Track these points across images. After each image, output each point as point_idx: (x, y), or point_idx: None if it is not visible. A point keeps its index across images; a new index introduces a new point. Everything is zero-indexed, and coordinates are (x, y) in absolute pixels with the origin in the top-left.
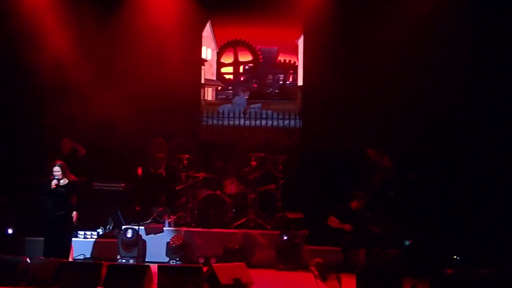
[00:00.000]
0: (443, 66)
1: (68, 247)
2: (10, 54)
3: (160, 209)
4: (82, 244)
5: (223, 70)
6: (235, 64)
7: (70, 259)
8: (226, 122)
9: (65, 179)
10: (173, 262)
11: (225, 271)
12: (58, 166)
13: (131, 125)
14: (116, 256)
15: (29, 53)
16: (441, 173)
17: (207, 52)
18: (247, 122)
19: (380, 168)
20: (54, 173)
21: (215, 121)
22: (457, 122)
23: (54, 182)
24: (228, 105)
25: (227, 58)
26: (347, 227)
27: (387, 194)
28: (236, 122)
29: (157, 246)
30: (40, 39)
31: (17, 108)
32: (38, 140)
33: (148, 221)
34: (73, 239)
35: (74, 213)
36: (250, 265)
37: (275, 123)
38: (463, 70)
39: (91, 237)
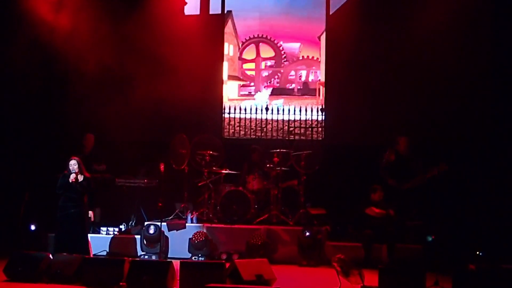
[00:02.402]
0: (469, 61)
1: (82, 245)
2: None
3: (183, 205)
4: (105, 240)
5: (245, 66)
6: (257, 60)
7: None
8: (248, 117)
9: (81, 175)
10: (195, 258)
11: (247, 267)
12: (76, 161)
13: (154, 122)
14: (139, 253)
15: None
16: (464, 168)
17: (229, 48)
18: (269, 117)
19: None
20: (71, 167)
21: (237, 116)
22: (482, 118)
23: (73, 176)
24: (251, 101)
25: (249, 54)
26: (390, 211)
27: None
28: (258, 117)
29: (179, 242)
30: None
31: (42, 103)
32: (62, 136)
33: (170, 217)
34: (94, 235)
35: (90, 212)
36: (273, 261)
37: (297, 118)
38: (489, 65)
39: (114, 233)
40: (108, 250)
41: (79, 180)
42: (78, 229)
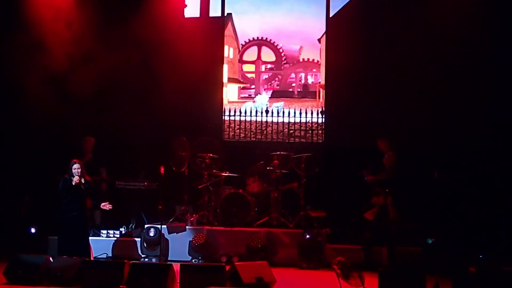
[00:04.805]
0: (470, 63)
1: (84, 248)
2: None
3: (183, 207)
4: (105, 243)
5: (246, 68)
6: (257, 62)
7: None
8: (248, 120)
9: (83, 178)
10: (195, 261)
11: (247, 269)
12: (79, 164)
13: (154, 124)
14: (139, 255)
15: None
16: (464, 171)
17: (229, 51)
18: (269, 120)
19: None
20: (74, 170)
21: (237, 119)
22: (483, 120)
23: (77, 178)
24: (251, 104)
25: (250, 57)
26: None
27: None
28: (259, 119)
29: (179, 245)
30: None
31: (43, 106)
32: (62, 139)
33: (170, 220)
34: (94, 238)
35: (100, 210)
36: (273, 264)
37: (297, 120)
38: (489, 67)
39: (114, 236)
40: (110, 254)
41: (82, 183)
42: (80, 232)
